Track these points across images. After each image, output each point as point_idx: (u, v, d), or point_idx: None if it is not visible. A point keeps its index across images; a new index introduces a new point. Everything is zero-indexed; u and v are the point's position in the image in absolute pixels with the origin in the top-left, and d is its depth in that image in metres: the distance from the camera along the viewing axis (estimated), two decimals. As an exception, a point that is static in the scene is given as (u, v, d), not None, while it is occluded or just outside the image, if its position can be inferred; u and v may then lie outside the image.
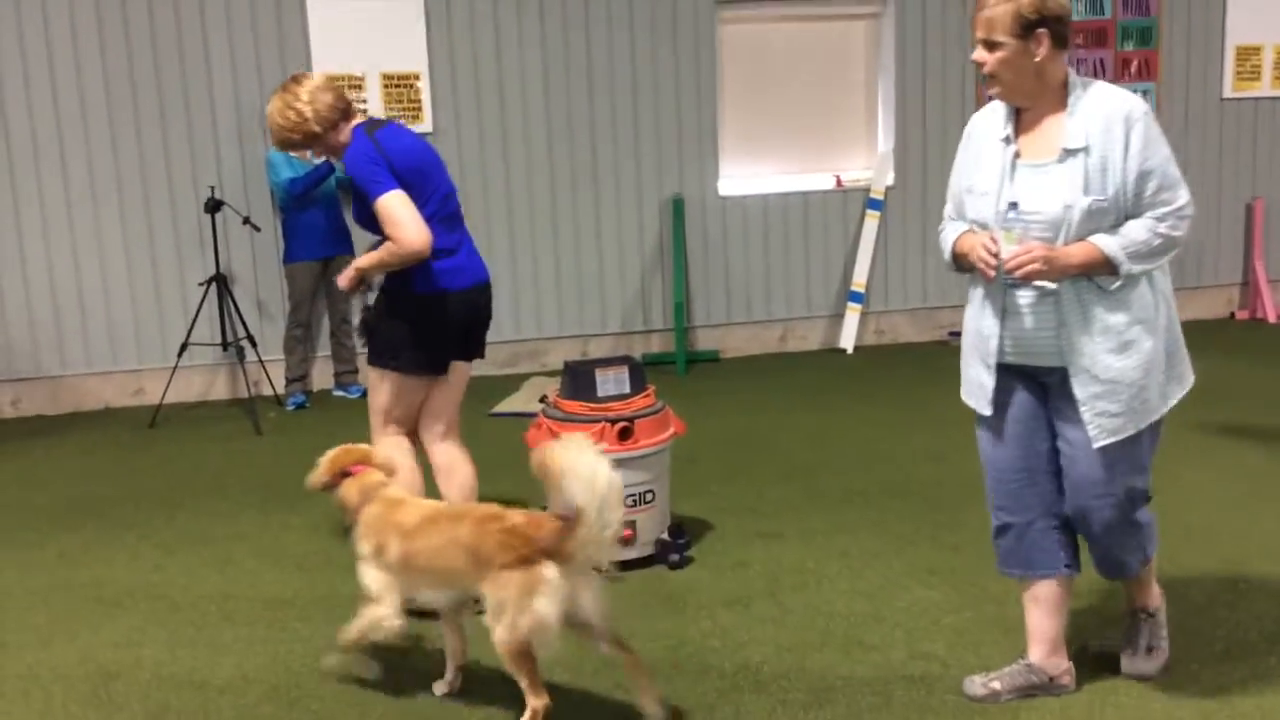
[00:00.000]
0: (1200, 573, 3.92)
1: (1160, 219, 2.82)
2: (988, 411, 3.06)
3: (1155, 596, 3.26)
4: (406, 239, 3.65)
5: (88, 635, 3.80)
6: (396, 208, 3.67)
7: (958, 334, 7.71)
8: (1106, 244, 2.81)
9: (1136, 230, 2.82)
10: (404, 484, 3.91)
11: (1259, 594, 3.74)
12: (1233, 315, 8.72)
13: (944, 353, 7.63)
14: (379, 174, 3.69)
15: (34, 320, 6.99)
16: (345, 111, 3.85)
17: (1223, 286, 8.72)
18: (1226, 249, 8.68)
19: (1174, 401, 3.00)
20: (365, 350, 4.08)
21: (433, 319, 3.88)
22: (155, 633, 3.80)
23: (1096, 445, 2.90)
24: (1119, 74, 8.23)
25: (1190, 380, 3.06)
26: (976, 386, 3.07)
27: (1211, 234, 8.58)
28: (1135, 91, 2.96)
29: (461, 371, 4.08)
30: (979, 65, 2.92)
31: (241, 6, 7.00)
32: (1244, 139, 8.56)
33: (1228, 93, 8.47)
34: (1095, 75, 7.93)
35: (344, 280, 3.90)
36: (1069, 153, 2.85)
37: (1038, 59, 2.84)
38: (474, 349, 4.09)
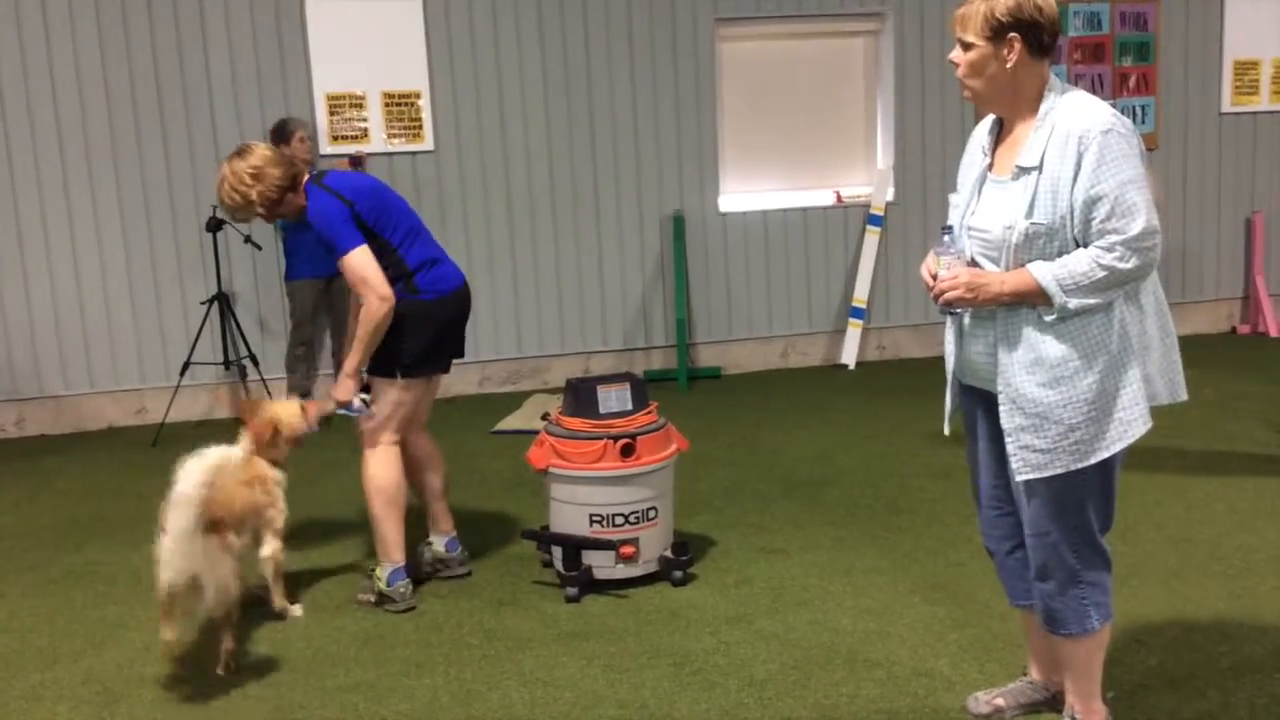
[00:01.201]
0: (1205, 588, 3.91)
1: (1108, 248, 2.57)
2: (945, 430, 3.04)
3: (1092, 709, 2.91)
4: (377, 294, 3.86)
5: (91, 655, 3.80)
6: (365, 264, 3.87)
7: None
8: (1040, 273, 2.61)
9: (1077, 260, 2.59)
10: (393, 496, 4.06)
11: (1265, 610, 3.73)
12: (1234, 330, 8.72)
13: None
14: (344, 230, 3.87)
15: (37, 340, 7.01)
16: (294, 179, 3.96)
17: (1223, 301, 8.73)
18: (1226, 263, 8.70)
19: (1124, 444, 2.69)
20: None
21: (440, 320, 4.08)
22: (158, 651, 3.78)
23: (1018, 479, 2.75)
24: (1117, 89, 8.26)
25: (1161, 402, 2.76)
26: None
27: (1211, 248, 8.59)
28: (1132, 107, 2.83)
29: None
30: (954, 65, 2.78)
31: (243, 26, 7.03)
32: (1243, 153, 8.58)
33: (1226, 107, 8.49)
34: (1094, 91, 7.97)
35: (344, 394, 4.00)
36: (1022, 170, 2.68)
37: (1009, 65, 2.66)
38: (462, 346, 4.28)
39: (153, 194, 7.06)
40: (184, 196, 7.08)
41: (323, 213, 3.89)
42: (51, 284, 6.99)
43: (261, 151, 3.91)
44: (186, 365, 6.71)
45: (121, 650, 3.82)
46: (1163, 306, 2.78)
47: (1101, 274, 2.58)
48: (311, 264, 6.92)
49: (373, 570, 4.18)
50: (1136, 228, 2.56)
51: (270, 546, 3.95)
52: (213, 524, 3.52)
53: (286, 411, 4.08)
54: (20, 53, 6.79)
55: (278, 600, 4.01)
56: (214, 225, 6.65)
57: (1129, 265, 2.58)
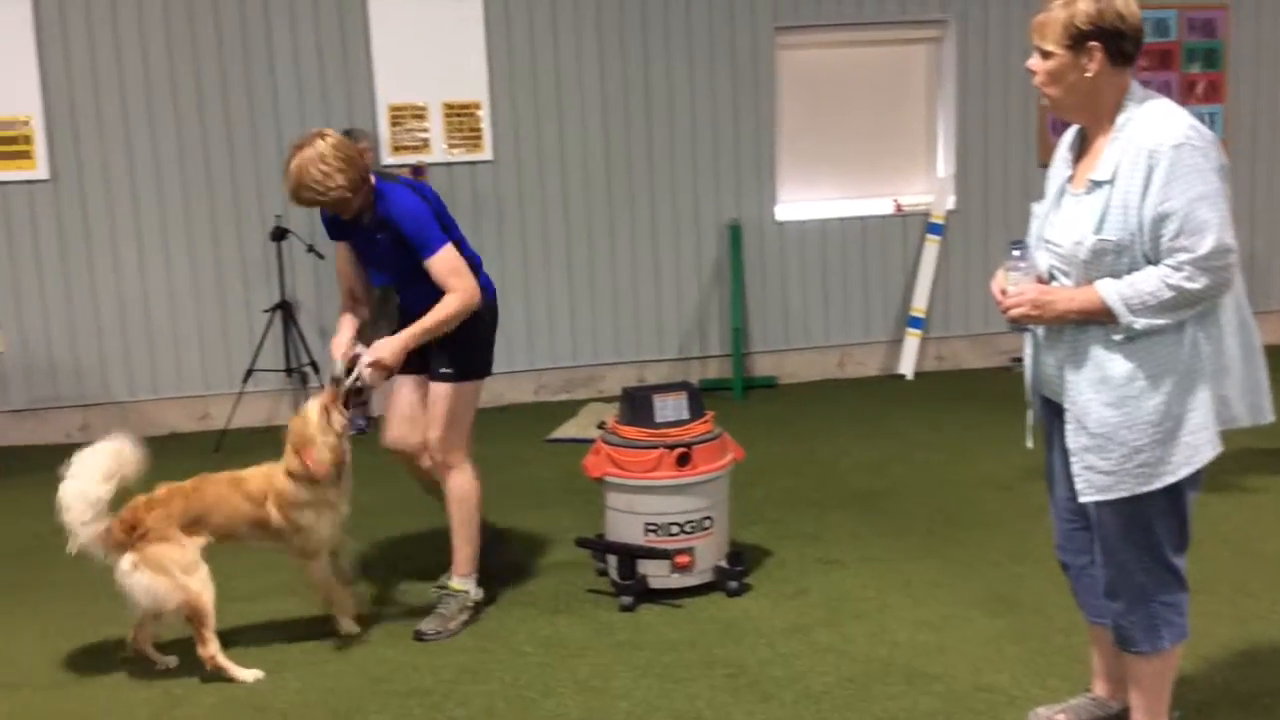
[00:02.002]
0: (1273, 603, 3.82)
1: (1177, 267, 2.50)
2: (1028, 443, 2.99)
3: None
4: (472, 286, 3.83)
5: (143, 666, 3.85)
6: (457, 257, 3.84)
7: (1019, 360, 7.64)
8: (1107, 292, 2.56)
9: (1145, 279, 2.54)
10: (473, 509, 4.02)
11: (1337, 627, 3.63)
12: (1305, 340, 8.51)
13: (1006, 379, 7.53)
14: (433, 226, 3.82)
15: (103, 346, 7.15)
16: (366, 176, 3.83)
17: (1294, 311, 8.53)
18: (1298, 272, 8.50)
19: (1191, 469, 2.61)
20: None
21: (494, 322, 4.14)
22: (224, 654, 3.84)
23: (1083, 500, 2.71)
24: (1184, 97, 8.10)
25: (1242, 425, 2.67)
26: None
27: (1282, 257, 8.41)
28: (1200, 114, 2.73)
29: None
30: (1031, 73, 2.71)
31: (307, 38, 7.14)
32: (1315, 160, 8.38)
33: (1297, 113, 8.31)
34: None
35: (392, 357, 3.83)
36: (1095, 184, 2.62)
37: (1089, 74, 2.59)
38: None
39: (218, 203, 7.18)
40: (249, 206, 7.19)
41: (414, 209, 3.78)
42: (118, 291, 7.13)
43: (344, 139, 3.77)
44: (250, 372, 6.81)
45: (183, 655, 3.86)
46: (1248, 324, 2.69)
47: (1169, 294, 2.52)
48: (373, 273, 6.98)
49: (449, 586, 4.07)
50: (1206, 246, 2.49)
51: (305, 569, 3.88)
52: (124, 537, 3.57)
53: (308, 420, 3.90)
54: (91, 65, 6.94)
55: (341, 624, 3.94)
56: (278, 234, 6.74)
57: (1198, 285, 2.51)
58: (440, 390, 3.97)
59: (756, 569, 4.38)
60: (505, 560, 4.60)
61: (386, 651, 3.82)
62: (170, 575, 3.58)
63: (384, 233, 3.84)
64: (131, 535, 3.59)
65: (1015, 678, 3.41)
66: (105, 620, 4.18)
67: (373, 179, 3.86)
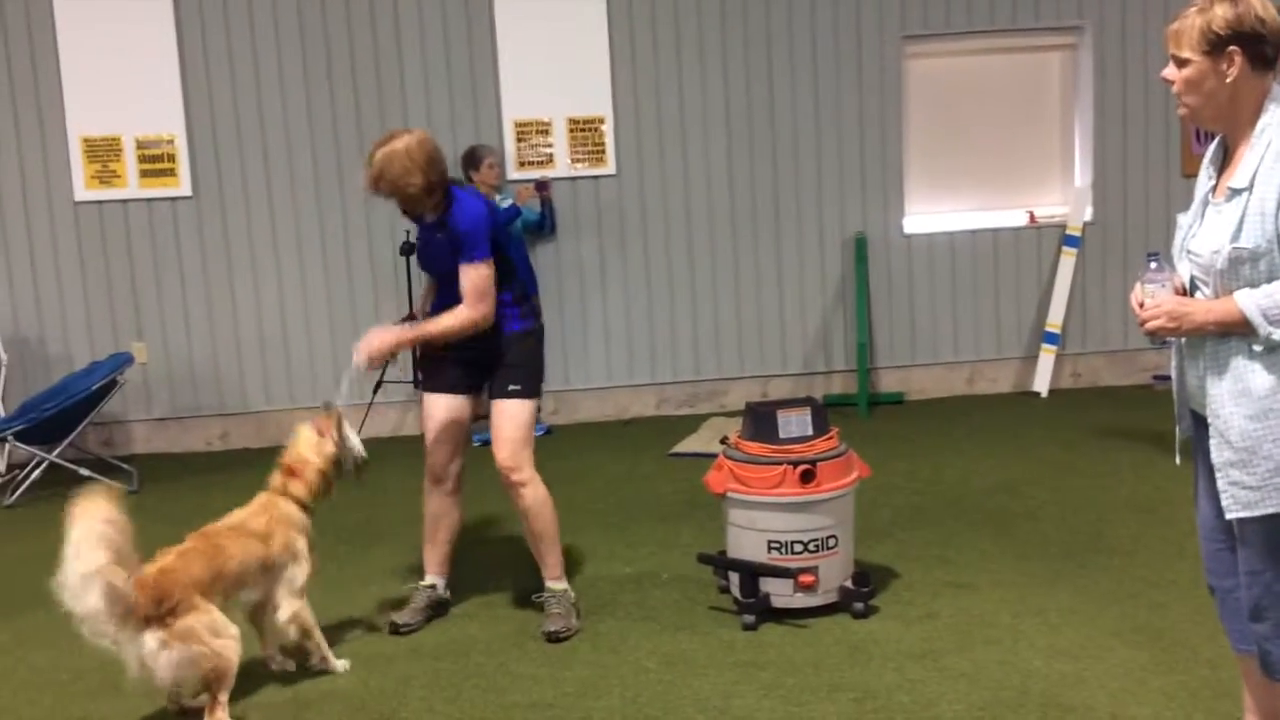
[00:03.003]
0: None
1: None
2: (1176, 460, 2.84)
3: None
4: (486, 312, 3.96)
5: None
6: (490, 279, 3.95)
7: (1163, 378, 7.36)
8: (1245, 303, 2.47)
9: None
10: (552, 515, 4.10)
11: None
12: None
13: (1148, 398, 7.23)
14: (485, 242, 3.94)
15: (243, 357, 7.39)
16: (445, 176, 4.06)
17: None
18: None
19: None
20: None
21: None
22: (346, 657, 3.90)
23: (1228, 516, 2.59)
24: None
25: None
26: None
27: None
28: None
29: None
30: (1169, 83, 2.63)
31: (438, 58, 7.28)
32: None
33: None
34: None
35: (382, 346, 3.99)
36: (1234, 192, 2.54)
37: (1229, 80, 2.51)
38: None
39: (350, 219, 7.36)
40: (380, 221, 7.35)
41: (477, 217, 3.94)
42: (258, 306, 7.36)
43: (430, 139, 3.98)
44: (379, 384, 6.95)
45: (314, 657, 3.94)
46: None
47: None
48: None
49: (551, 589, 4.16)
50: None
51: (288, 608, 3.68)
52: (153, 611, 3.27)
53: (305, 442, 3.88)
54: (232, 85, 7.19)
55: (315, 657, 3.81)
56: (407, 250, 6.88)
57: None
58: (512, 407, 4.07)
59: (883, 590, 4.26)
60: (627, 575, 4.58)
61: (511, 664, 3.83)
62: (204, 643, 3.33)
63: (442, 232, 3.99)
64: (160, 609, 3.27)
65: (1158, 712, 3.24)
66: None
67: (449, 186, 4.02)
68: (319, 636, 3.81)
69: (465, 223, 3.93)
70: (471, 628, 4.16)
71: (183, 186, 7.22)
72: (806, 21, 7.47)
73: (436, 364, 4.24)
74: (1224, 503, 2.60)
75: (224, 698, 3.38)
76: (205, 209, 7.27)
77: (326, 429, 3.90)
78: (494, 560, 4.85)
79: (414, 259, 6.98)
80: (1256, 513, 2.55)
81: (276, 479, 3.84)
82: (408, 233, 7.04)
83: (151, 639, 3.26)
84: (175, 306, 7.32)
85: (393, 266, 7.28)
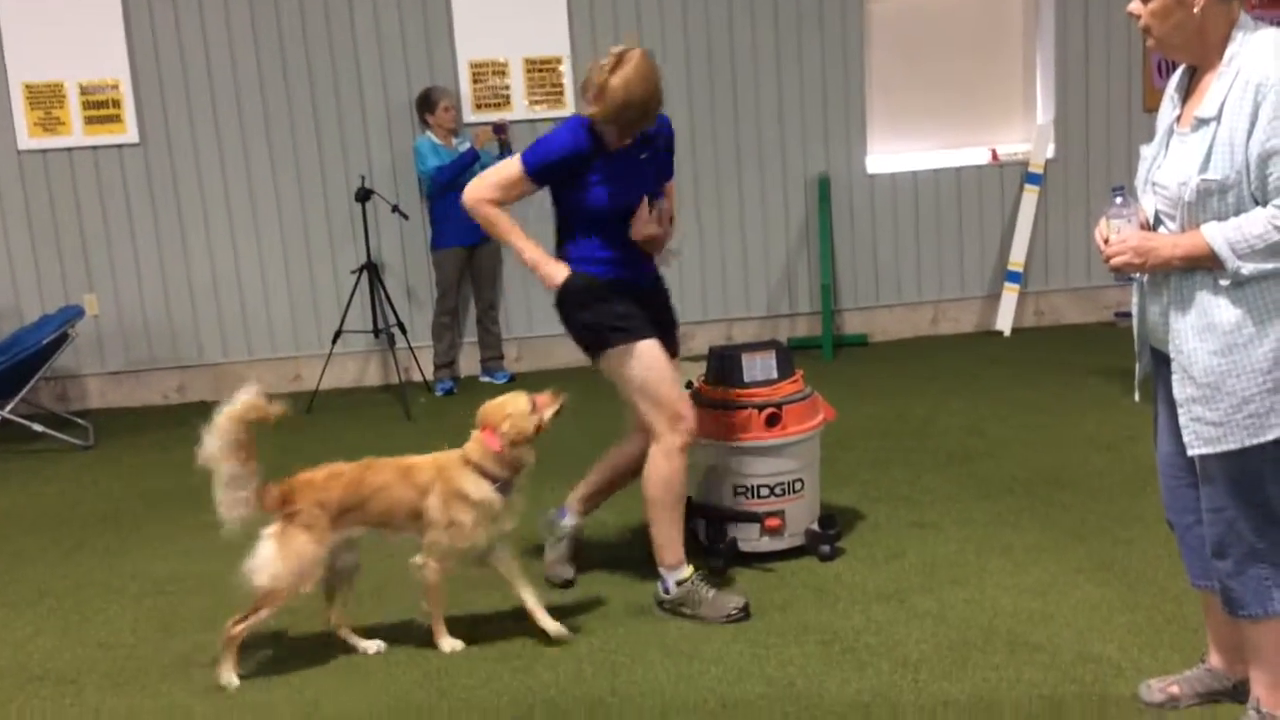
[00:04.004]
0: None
1: None
2: (1136, 397, 2.83)
3: (1278, 700, 2.68)
4: None
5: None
6: None
7: (1125, 315, 7.37)
8: (1212, 236, 2.45)
9: (1252, 222, 2.42)
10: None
11: None
12: None
13: (1110, 335, 7.26)
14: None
15: (197, 310, 7.25)
16: None
17: None
18: None
19: None
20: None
21: None
22: (314, 618, 3.84)
23: (1189, 453, 2.58)
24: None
25: None
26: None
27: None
28: None
29: None
30: (1134, 17, 2.59)
31: (388, -3, 7.10)
32: None
33: None
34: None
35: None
36: (1201, 122, 2.51)
37: (1196, 10, 2.47)
38: None
39: (304, 166, 7.20)
40: (334, 168, 7.20)
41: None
42: (211, 257, 7.21)
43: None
44: (338, 334, 6.85)
45: (290, 617, 3.88)
46: None
47: (1278, 237, 2.40)
48: (457, 233, 6.96)
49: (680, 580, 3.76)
50: None
51: (422, 560, 3.51)
52: (275, 506, 3.41)
53: (514, 407, 3.51)
54: (176, 28, 6.99)
55: (426, 622, 3.59)
56: (363, 195, 6.74)
57: None
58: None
59: (849, 533, 4.26)
60: (592, 522, 4.55)
61: (478, 622, 3.79)
62: (283, 561, 3.37)
63: (648, 150, 3.72)
64: (282, 508, 3.42)
65: (1124, 648, 3.26)
66: (196, 579, 4.23)
67: None
68: (437, 608, 3.54)
69: (669, 127, 3.83)
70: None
71: (129, 133, 7.03)
72: (767, -43, 7.34)
73: (639, 309, 3.77)
74: (1186, 439, 2.59)
75: (251, 622, 3.39)
76: (153, 156, 7.09)
77: (543, 404, 3.54)
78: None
79: (369, 205, 6.87)
80: (1219, 449, 2.55)
81: (470, 442, 3.52)
82: (363, 178, 6.91)
83: (271, 527, 3.44)
84: (126, 257, 7.16)
85: (349, 212, 7.15)
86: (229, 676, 3.41)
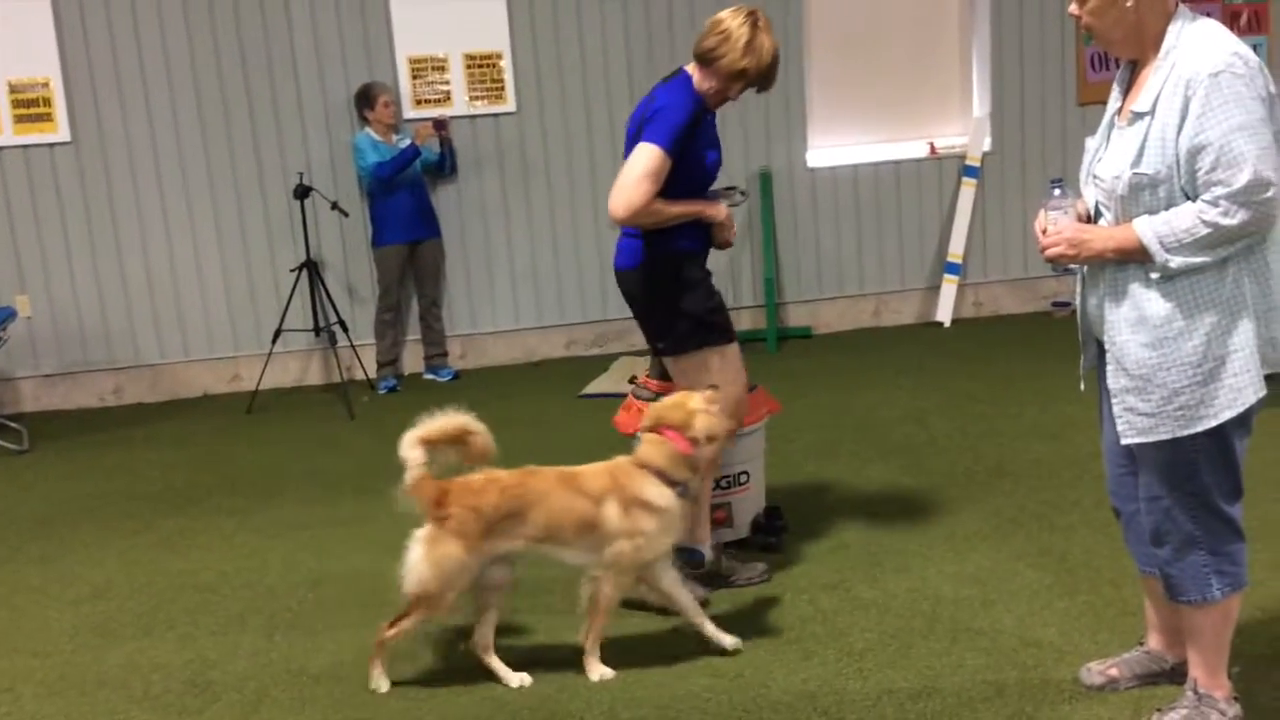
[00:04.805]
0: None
1: (1213, 202, 2.41)
2: (1081, 386, 2.88)
3: (1216, 683, 2.73)
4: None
5: (186, 622, 3.82)
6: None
7: (1061, 304, 7.49)
8: (1143, 230, 2.48)
9: (1181, 216, 2.45)
10: None
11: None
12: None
13: (1048, 324, 7.36)
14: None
15: (133, 310, 7.12)
16: None
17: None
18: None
19: (1234, 412, 2.51)
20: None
21: None
22: (252, 619, 3.81)
23: (1124, 442, 2.63)
24: (1228, 27, 7.80)
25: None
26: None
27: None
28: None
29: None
30: (1075, 18, 2.63)
31: (325, -8, 7.02)
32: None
33: (1347, 43, 8.02)
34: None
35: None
36: (1136, 116, 2.55)
37: (1130, 4, 2.52)
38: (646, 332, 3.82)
39: (240, 162, 7.10)
40: (271, 164, 7.11)
41: None
42: (145, 254, 7.08)
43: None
44: (278, 333, 6.76)
45: (216, 618, 3.84)
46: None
47: (1205, 231, 2.44)
48: (398, 230, 6.91)
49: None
50: (1242, 179, 2.38)
51: (599, 576, 3.26)
52: (429, 509, 3.17)
53: (697, 404, 3.33)
54: (108, 24, 6.85)
55: (583, 638, 3.31)
56: (301, 192, 6.66)
57: (1235, 221, 2.42)
58: None
59: (795, 524, 4.28)
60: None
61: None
62: (431, 569, 3.14)
63: (713, 113, 3.71)
64: (436, 510, 3.17)
65: (1064, 632, 3.31)
66: (133, 584, 4.16)
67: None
68: (598, 630, 3.29)
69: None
70: (383, 576, 4.08)
71: (61, 132, 6.88)
72: (706, -48, 7.35)
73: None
74: (1120, 428, 2.64)
75: (404, 627, 3.22)
76: (86, 155, 6.95)
77: (711, 400, 3.37)
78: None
79: (308, 202, 6.78)
80: (1151, 438, 2.59)
81: (643, 443, 3.34)
82: (300, 175, 6.82)
83: (424, 529, 3.20)
84: (59, 258, 7.01)
85: (287, 209, 7.05)
86: (379, 681, 3.25)
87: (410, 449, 3.18)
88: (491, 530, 3.17)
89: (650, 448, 3.30)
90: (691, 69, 3.65)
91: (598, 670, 3.26)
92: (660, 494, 3.25)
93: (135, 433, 6.45)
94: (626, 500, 3.22)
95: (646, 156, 3.45)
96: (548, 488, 3.25)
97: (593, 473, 3.31)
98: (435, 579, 3.15)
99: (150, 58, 6.91)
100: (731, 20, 3.56)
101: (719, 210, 3.65)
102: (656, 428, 3.32)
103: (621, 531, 3.22)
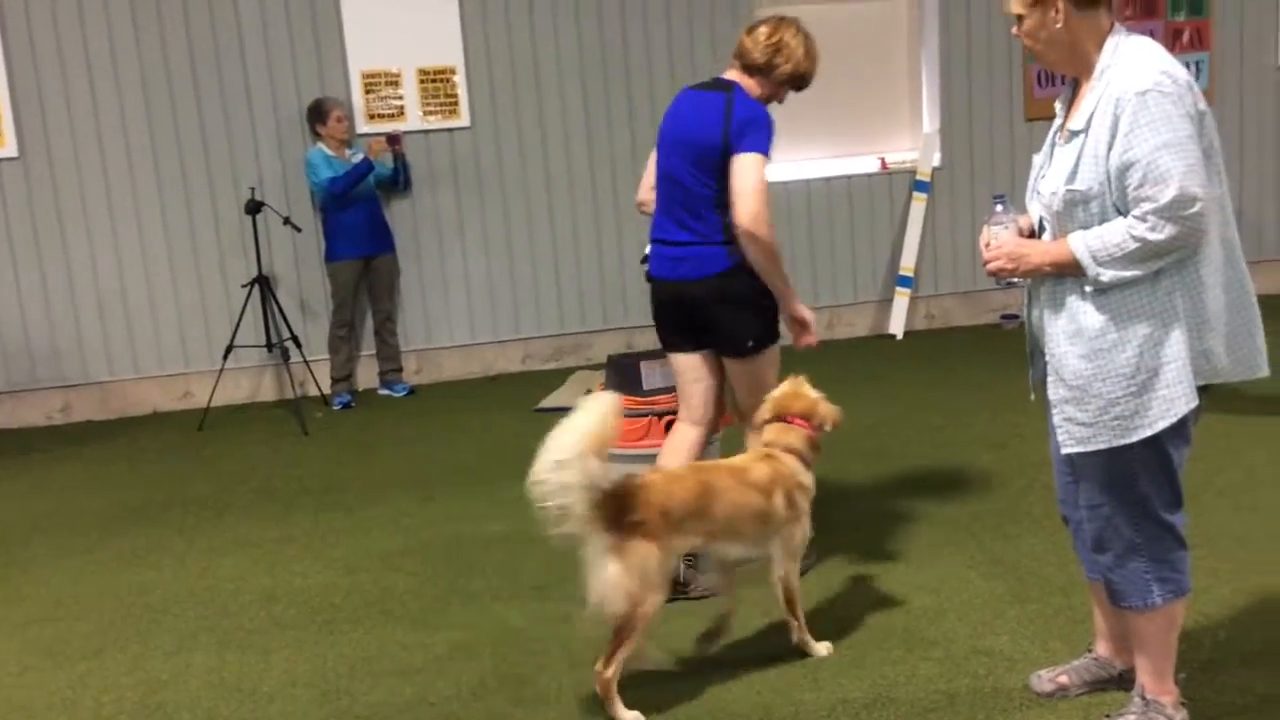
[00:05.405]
0: (1274, 557, 3.77)
1: (1141, 218, 2.46)
2: (1031, 397, 2.94)
3: (1164, 688, 2.77)
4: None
5: (137, 642, 3.78)
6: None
7: (1010, 317, 7.60)
8: (1076, 245, 2.55)
9: (1112, 231, 2.51)
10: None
11: (1338, 580, 3.59)
12: (1295, 290, 8.46)
13: (998, 336, 7.47)
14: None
15: (81, 326, 7.03)
16: None
17: (1283, 260, 8.48)
18: (1287, 221, 8.43)
19: (1168, 422, 2.55)
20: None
21: (653, 301, 3.99)
22: (204, 638, 3.77)
23: (1064, 451, 2.70)
24: (1170, 45, 8.00)
25: (1231, 379, 2.61)
26: None
27: (1270, 206, 8.33)
28: (1186, 63, 2.66)
29: (709, 364, 3.96)
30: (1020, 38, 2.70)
31: (277, 6, 6.98)
32: (1303, 108, 8.30)
33: (1284, 61, 8.22)
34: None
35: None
36: (1073, 134, 2.62)
37: (1059, 25, 2.57)
38: (700, 340, 3.91)
39: (191, 177, 7.04)
40: (222, 179, 7.05)
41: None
42: (94, 270, 7.00)
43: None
44: (229, 349, 6.70)
45: (167, 637, 3.80)
46: (1240, 278, 2.64)
47: (1134, 245, 2.50)
48: (351, 244, 6.88)
49: None
50: (1168, 195, 2.43)
51: (780, 568, 3.32)
52: (616, 517, 2.98)
53: (813, 392, 3.63)
54: (56, 38, 6.78)
55: (794, 633, 3.39)
56: (253, 208, 6.61)
57: (1162, 236, 2.47)
58: None
59: (750, 536, 4.30)
60: (496, 533, 4.53)
61: (383, 629, 3.75)
62: (636, 581, 2.98)
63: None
64: (623, 519, 2.99)
65: (1015, 640, 3.36)
66: (83, 604, 4.11)
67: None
68: (800, 610, 3.37)
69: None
70: (336, 592, 4.06)
71: (8, 147, 6.79)
72: (659, -32, 7.40)
73: None
74: (1060, 438, 2.70)
75: (622, 655, 3.02)
76: (34, 170, 6.86)
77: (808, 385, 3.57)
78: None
79: (259, 218, 6.73)
80: (1089, 448, 2.64)
81: (773, 432, 3.43)
82: (252, 190, 6.77)
83: (605, 541, 2.97)
84: (5, 274, 6.91)
85: (238, 224, 7.00)
86: (628, 714, 3.05)
87: (577, 462, 2.89)
88: (676, 530, 3.10)
89: (787, 434, 3.42)
90: (737, 77, 3.96)
91: (824, 646, 3.38)
92: (809, 476, 3.40)
93: (84, 451, 6.36)
94: (789, 487, 3.32)
95: (758, 166, 3.77)
96: (725, 484, 3.26)
97: (752, 465, 3.36)
98: (645, 587, 3.00)
99: (99, 72, 6.85)
100: (783, 33, 3.93)
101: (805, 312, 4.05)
102: (782, 416, 3.46)
103: (790, 518, 3.32)
